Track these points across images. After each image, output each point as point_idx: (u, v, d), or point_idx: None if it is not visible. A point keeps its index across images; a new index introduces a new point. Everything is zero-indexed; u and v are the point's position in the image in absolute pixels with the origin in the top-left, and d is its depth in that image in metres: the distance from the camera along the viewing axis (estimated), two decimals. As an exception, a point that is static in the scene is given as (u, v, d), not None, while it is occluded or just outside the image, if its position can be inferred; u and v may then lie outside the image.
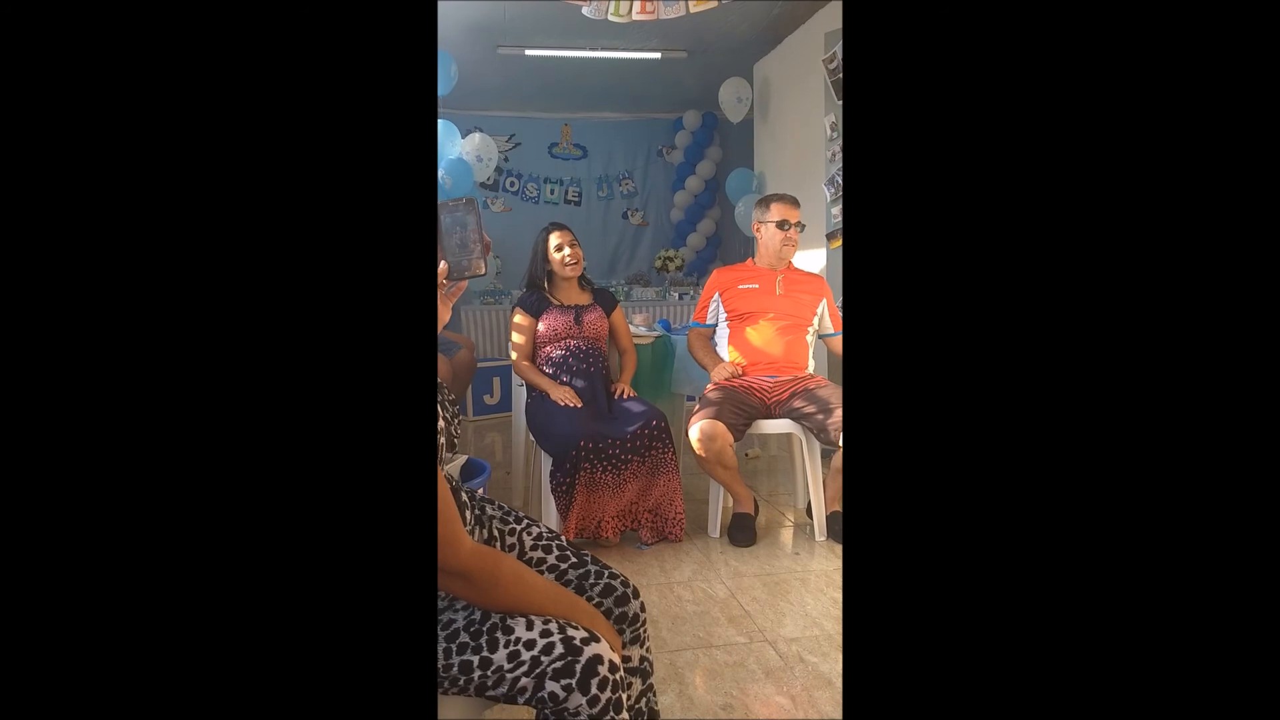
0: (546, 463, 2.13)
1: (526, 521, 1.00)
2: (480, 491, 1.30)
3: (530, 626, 0.76)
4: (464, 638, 0.76)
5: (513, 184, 5.88)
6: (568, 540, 1.01)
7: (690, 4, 2.84)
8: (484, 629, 0.76)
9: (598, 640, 0.76)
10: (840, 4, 3.32)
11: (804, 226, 2.42)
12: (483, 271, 0.81)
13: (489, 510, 1.00)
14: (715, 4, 2.85)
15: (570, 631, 0.76)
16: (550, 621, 0.77)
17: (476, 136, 4.01)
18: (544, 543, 0.98)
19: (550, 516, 2.12)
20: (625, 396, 2.29)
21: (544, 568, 0.97)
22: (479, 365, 3.77)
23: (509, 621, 0.77)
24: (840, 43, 3.19)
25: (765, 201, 2.44)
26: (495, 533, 0.98)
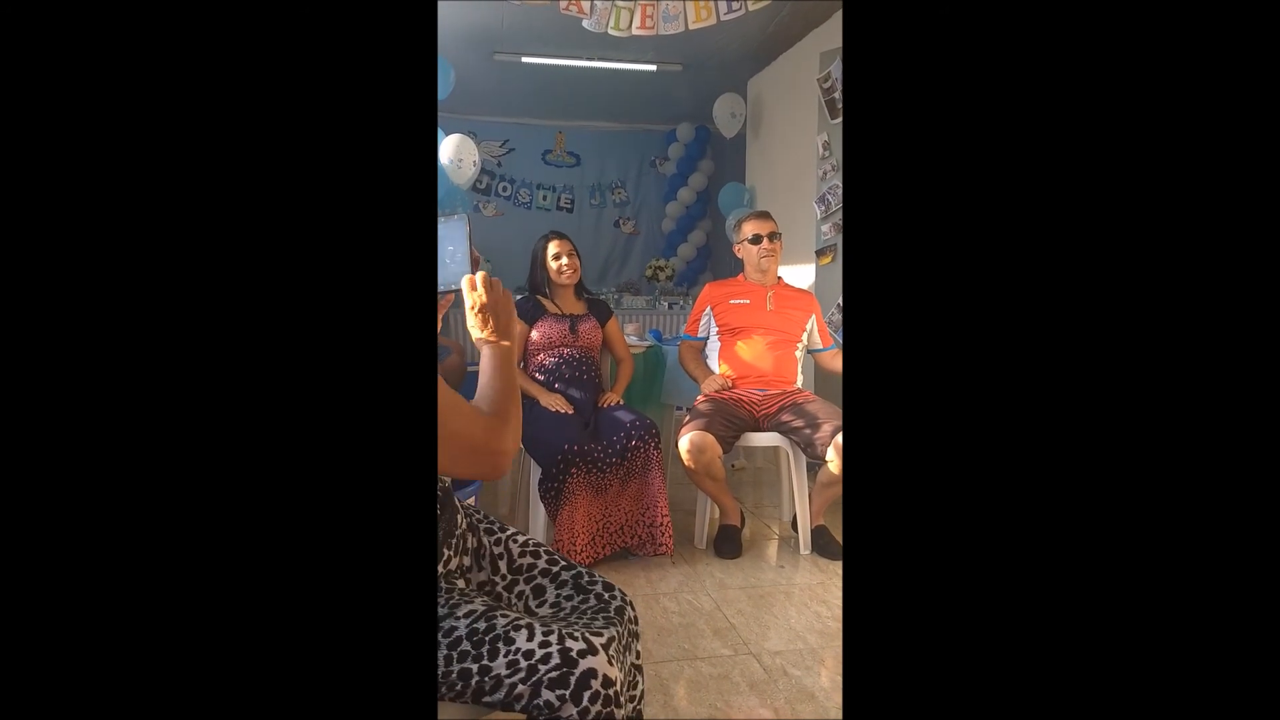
0: (535, 471, 2.14)
1: (512, 530, 1.03)
2: (471, 501, 1.31)
3: (531, 637, 0.78)
4: (465, 645, 0.78)
5: (505, 189, 5.89)
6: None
7: (690, 20, 2.87)
8: (486, 638, 0.78)
9: (595, 653, 0.77)
10: (835, 25, 3.38)
11: (779, 235, 2.46)
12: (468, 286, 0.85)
13: (475, 518, 1.02)
14: (714, 21, 2.89)
15: (569, 643, 0.77)
16: (551, 633, 0.78)
17: (455, 138, 3.83)
18: (532, 548, 1.01)
19: (538, 524, 2.13)
20: (615, 405, 2.30)
21: (535, 572, 0.98)
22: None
23: (512, 633, 0.78)
24: (835, 62, 3.24)
25: (737, 224, 2.54)
26: (483, 541, 0.99)
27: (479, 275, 0.86)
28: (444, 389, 0.72)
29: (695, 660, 1.58)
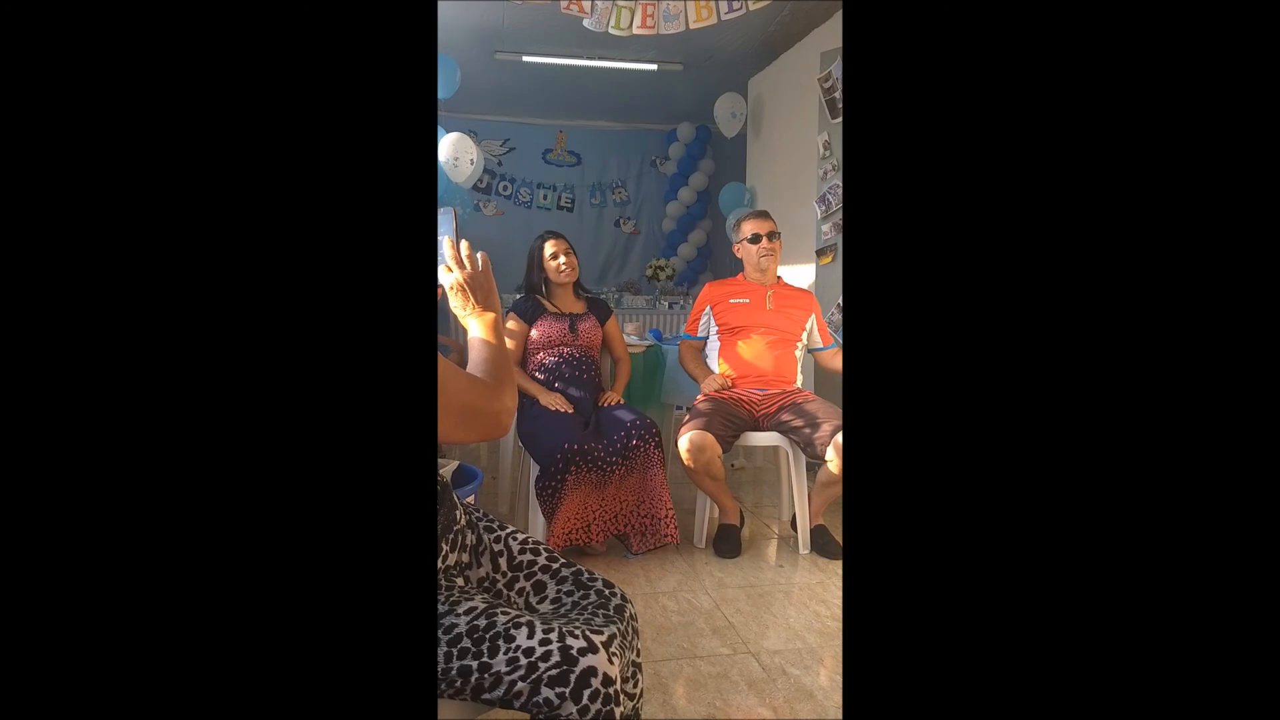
0: (534, 470, 2.14)
1: (511, 529, 1.03)
2: (470, 500, 1.31)
3: (531, 634, 0.78)
4: (466, 643, 0.78)
5: (506, 188, 5.89)
6: (555, 548, 1.03)
7: (690, 20, 2.87)
8: (487, 636, 0.78)
9: (595, 651, 0.77)
10: (835, 24, 3.38)
11: (778, 235, 2.47)
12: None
13: (473, 516, 1.02)
14: (715, 21, 2.89)
15: (569, 641, 0.77)
16: (552, 630, 0.78)
17: (453, 137, 3.80)
18: (531, 545, 1.01)
19: (538, 523, 2.13)
20: (615, 404, 2.31)
21: (536, 568, 0.99)
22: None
23: (512, 630, 0.78)
24: (835, 62, 3.24)
25: (737, 224, 2.54)
26: (482, 538, 1.00)
27: (448, 254, 0.87)
28: (441, 361, 0.73)
29: (694, 659, 1.58)
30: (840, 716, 1.36)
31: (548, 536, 2.05)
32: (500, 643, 0.77)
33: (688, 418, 2.28)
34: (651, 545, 2.15)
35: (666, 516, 2.14)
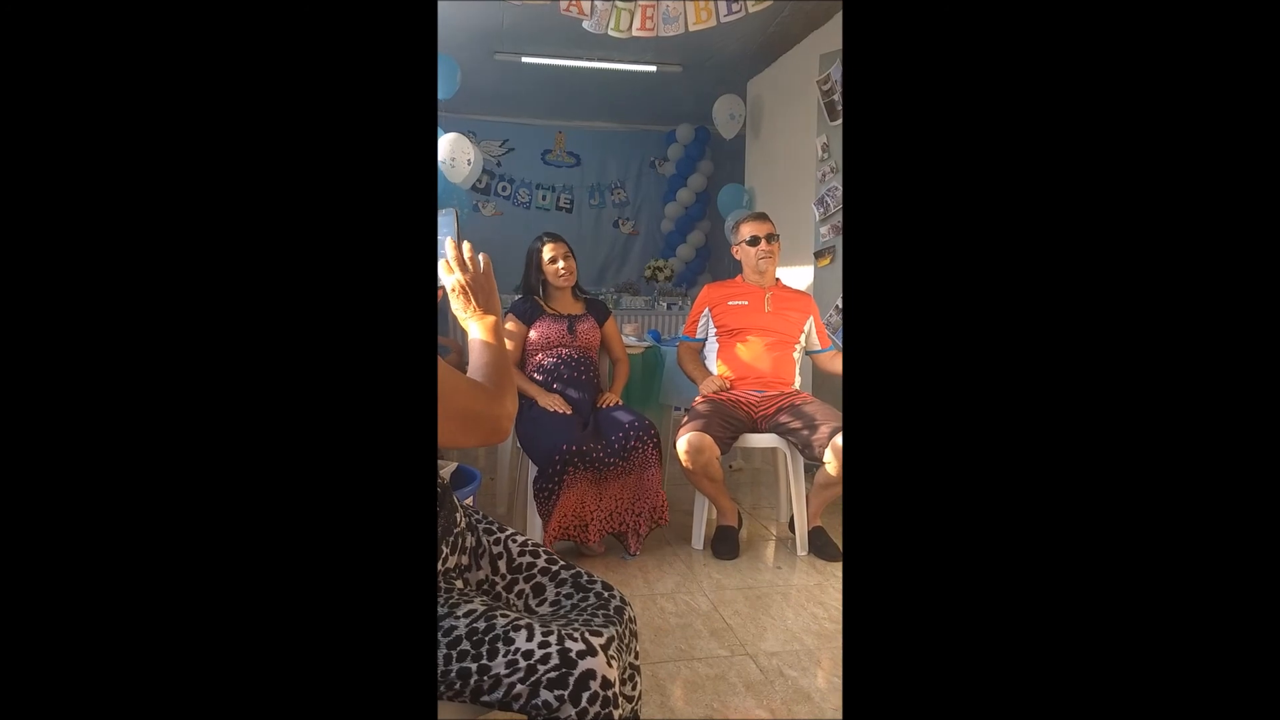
0: (532, 471, 2.14)
1: (510, 531, 1.03)
2: (469, 502, 1.31)
3: (530, 637, 0.78)
4: (465, 645, 0.78)
5: (505, 189, 5.89)
6: (549, 545, 1.03)
7: (689, 22, 2.88)
8: (486, 638, 0.78)
9: (594, 654, 0.77)
10: (835, 27, 3.38)
11: (777, 237, 2.47)
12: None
13: (473, 518, 1.02)
14: (714, 23, 2.89)
15: (568, 644, 0.77)
16: (551, 633, 0.78)
17: (451, 137, 3.76)
18: (531, 548, 1.01)
19: (534, 523, 2.13)
20: (614, 405, 2.31)
21: (535, 570, 0.98)
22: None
23: (511, 633, 0.78)
24: (834, 64, 3.24)
25: (735, 226, 2.55)
26: (482, 540, 1.00)
27: (451, 255, 0.86)
28: (441, 365, 0.73)
29: (692, 661, 1.58)
30: (837, 718, 1.36)
31: (544, 533, 2.05)
32: (499, 645, 0.77)
33: (686, 419, 2.28)
34: (647, 530, 2.18)
35: (660, 505, 2.17)
